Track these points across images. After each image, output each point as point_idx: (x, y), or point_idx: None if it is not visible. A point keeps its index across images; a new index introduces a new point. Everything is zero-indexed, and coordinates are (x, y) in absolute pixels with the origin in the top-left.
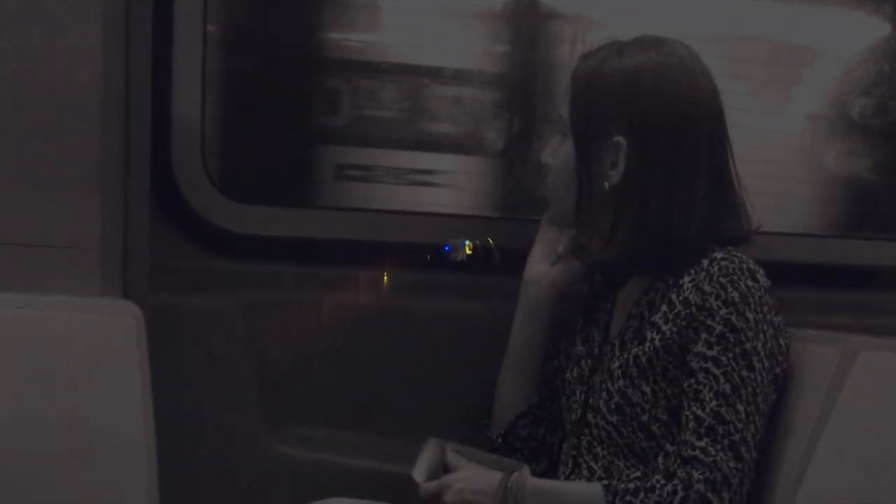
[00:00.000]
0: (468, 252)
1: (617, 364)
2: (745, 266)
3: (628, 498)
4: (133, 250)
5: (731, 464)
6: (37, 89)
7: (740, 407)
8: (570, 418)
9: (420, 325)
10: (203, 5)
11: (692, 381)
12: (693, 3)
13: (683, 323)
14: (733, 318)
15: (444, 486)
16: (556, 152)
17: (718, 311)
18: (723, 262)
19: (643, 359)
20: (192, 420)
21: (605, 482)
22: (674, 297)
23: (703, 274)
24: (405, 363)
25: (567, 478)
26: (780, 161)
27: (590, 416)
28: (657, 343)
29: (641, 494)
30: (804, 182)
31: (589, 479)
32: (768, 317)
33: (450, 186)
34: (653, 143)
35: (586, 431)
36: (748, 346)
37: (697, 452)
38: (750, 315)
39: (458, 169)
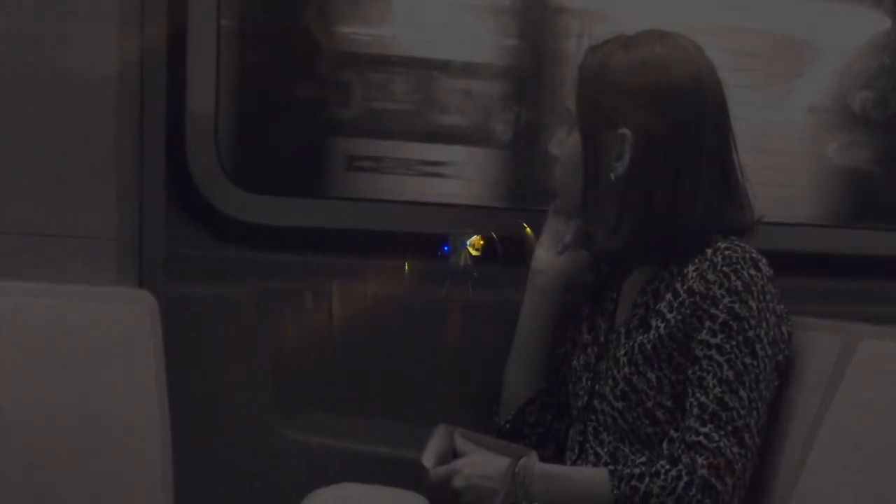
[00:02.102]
0: (472, 252)
1: (622, 352)
2: (748, 255)
3: (633, 483)
4: (148, 240)
5: (735, 449)
6: (54, 82)
7: (743, 394)
8: (577, 405)
9: (429, 313)
10: (217, 0)
11: (696, 368)
12: None
13: (688, 311)
14: (736, 306)
15: (454, 471)
16: (563, 144)
17: (722, 299)
18: (726, 252)
19: (648, 346)
20: (205, 407)
21: (610, 467)
22: (678, 286)
23: (707, 263)
24: (414, 351)
25: (574, 463)
26: (781, 152)
27: (596, 403)
28: (662, 331)
29: (646, 479)
30: (805, 173)
31: (595, 465)
32: (771, 305)
33: (458, 177)
34: (658, 134)
35: (592, 418)
36: (751, 333)
37: (701, 438)
38: (753, 303)
39: (466, 160)
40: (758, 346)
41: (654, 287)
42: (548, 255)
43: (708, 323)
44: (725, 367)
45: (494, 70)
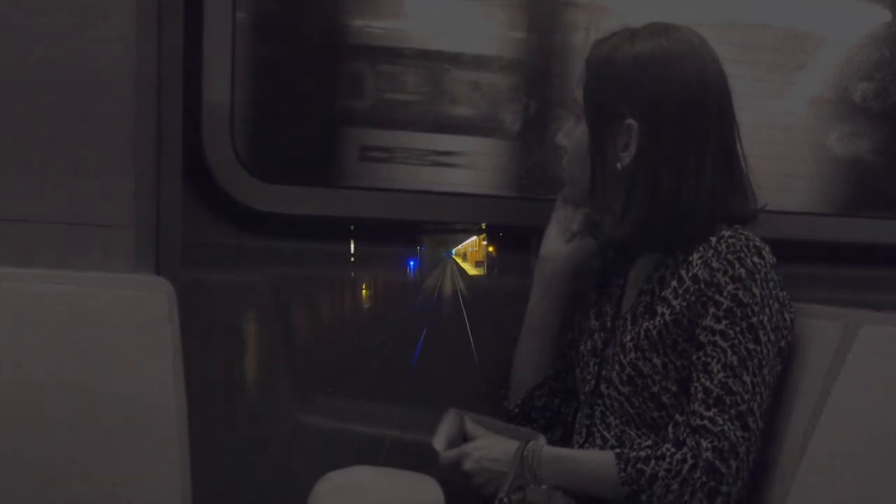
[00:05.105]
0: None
1: (629, 337)
2: (751, 243)
3: (639, 465)
4: (165, 228)
5: (739, 433)
6: (73, 73)
7: (747, 378)
8: (584, 389)
9: (440, 299)
10: None
11: (701, 353)
12: None
13: (692, 298)
14: (740, 293)
15: (464, 454)
16: (571, 134)
17: (726, 286)
18: (730, 240)
19: (654, 332)
20: (221, 392)
21: (617, 450)
22: (683, 273)
23: (712, 251)
24: (426, 336)
25: (581, 446)
26: (783, 143)
27: (603, 388)
28: (667, 317)
29: (652, 462)
30: (807, 163)
31: (602, 448)
32: (774, 292)
33: (469, 167)
34: (663, 125)
35: (599, 402)
36: (754, 320)
37: (706, 422)
38: (756, 290)
39: (476, 150)
40: (761, 332)
41: (660, 274)
42: (556, 243)
43: (712, 309)
44: (729, 352)
45: (504, 62)
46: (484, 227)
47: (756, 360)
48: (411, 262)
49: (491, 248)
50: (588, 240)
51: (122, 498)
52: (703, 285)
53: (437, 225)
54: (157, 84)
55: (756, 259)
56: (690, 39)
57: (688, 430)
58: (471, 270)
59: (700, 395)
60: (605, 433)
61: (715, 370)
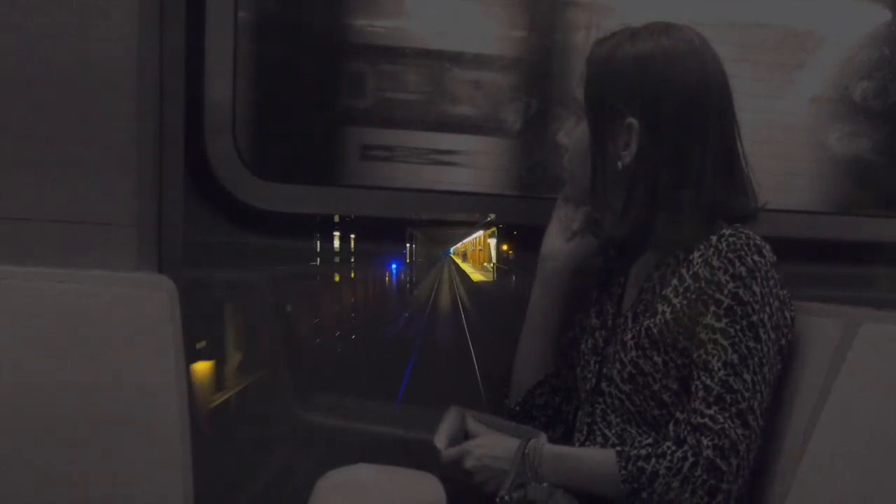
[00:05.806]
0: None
1: (629, 335)
2: (751, 242)
3: (640, 463)
4: (167, 226)
5: (739, 431)
6: (76, 73)
7: (747, 376)
8: (585, 387)
9: (440, 297)
10: None
11: (701, 351)
12: None
13: (693, 296)
14: (741, 291)
15: (465, 452)
16: (572, 133)
17: (726, 284)
18: (731, 238)
19: (654, 330)
20: (224, 390)
21: (618, 448)
22: (684, 271)
23: (712, 249)
24: (427, 335)
25: (582, 444)
26: (783, 142)
27: (604, 386)
28: (668, 315)
29: (653, 460)
30: (807, 162)
31: (603, 446)
32: (774, 290)
33: (470, 166)
34: (664, 124)
35: (600, 400)
36: (755, 318)
37: (706, 420)
38: (756, 288)
39: (477, 149)
40: (761, 330)
41: (661, 272)
42: (557, 241)
43: (713, 307)
44: (730, 350)
45: (505, 61)
46: (484, 224)
47: (756, 359)
48: (411, 261)
49: (492, 247)
50: (589, 238)
51: (123, 497)
52: (703, 283)
53: (438, 223)
54: (159, 83)
55: (756, 257)
56: (691, 39)
57: (688, 428)
58: (471, 269)
59: (700, 393)
60: (606, 431)
61: (715, 368)
